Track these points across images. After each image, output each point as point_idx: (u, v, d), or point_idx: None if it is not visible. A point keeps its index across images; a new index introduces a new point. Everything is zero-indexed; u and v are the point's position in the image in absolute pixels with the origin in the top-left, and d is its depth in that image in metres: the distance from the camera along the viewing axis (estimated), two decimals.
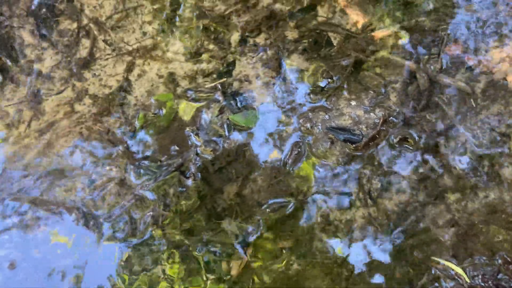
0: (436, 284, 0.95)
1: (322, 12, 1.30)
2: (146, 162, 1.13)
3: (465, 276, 0.94)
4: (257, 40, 1.27)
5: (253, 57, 1.24)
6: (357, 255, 1.02)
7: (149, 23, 1.33)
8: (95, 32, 1.32)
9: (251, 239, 1.05)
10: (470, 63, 1.16)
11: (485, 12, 1.22)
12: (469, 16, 1.22)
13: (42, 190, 1.13)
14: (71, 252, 1.07)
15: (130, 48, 1.29)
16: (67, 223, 1.09)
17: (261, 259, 1.04)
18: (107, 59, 1.29)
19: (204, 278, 1.02)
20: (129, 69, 1.26)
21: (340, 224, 1.05)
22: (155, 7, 1.35)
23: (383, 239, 1.02)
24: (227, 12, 1.32)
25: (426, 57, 1.18)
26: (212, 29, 1.29)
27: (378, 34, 1.24)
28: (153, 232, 1.07)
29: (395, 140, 1.08)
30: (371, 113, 1.12)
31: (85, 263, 1.06)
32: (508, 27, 1.19)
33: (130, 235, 1.07)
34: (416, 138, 1.08)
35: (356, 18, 1.28)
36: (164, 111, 1.18)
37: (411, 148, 1.08)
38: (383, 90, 1.14)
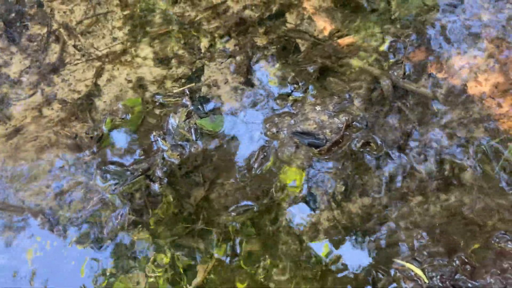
0: (396, 285, 0.97)
1: (290, 19, 1.32)
2: (113, 166, 1.13)
3: (424, 277, 0.96)
4: (227, 46, 1.29)
5: (222, 62, 1.26)
6: (321, 257, 1.03)
7: (119, 28, 1.34)
8: (65, 37, 1.33)
9: (217, 243, 1.05)
10: (433, 69, 1.19)
11: (447, 20, 1.26)
12: (432, 24, 1.25)
13: (7, 194, 1.12)
14: (36, 256, 1.06)
15: (99, 54, 1.30)
16: (33, 227, 1.09)
17: (227, 263, 1.05)
18: (76, 64, 1.29)
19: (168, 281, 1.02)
20: (98, 74, 1.27)
21: (305, 227, 1.07)
22: (125, 13, 1.36)
23: (347, 242, 1.04)
24: (197, 18, 1.33)
25: (390, 63, 1.20)
26: (181, 35, 1.30)
27: (344, 41, 1.26)
28: (120, 236, 1.07)
29: (358, 145, 1.11)
30: (335, 118, 1.14)
31: (51, 267, 1.05)
32: (469, 35, 1.23)
33: (96, 239, 1.07)
34: (379, 142, 1.11)
35: (324, 25, 1.30)
36: (131, 115, 1.18)
37: (374, 152, 1.10)
38: (347, 96, 1.17)
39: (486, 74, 1.18)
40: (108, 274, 1.04)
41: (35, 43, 1.31)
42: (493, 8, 1.26)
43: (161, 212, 1.09)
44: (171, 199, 1.09)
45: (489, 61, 1.19)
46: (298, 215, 1.07)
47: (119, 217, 1.08)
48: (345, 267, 1.02)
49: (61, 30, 1.33)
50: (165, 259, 1.05)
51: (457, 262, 0.98)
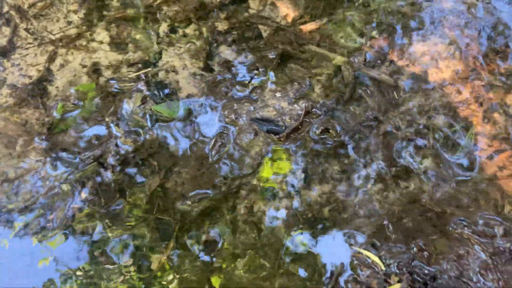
0: (352, 272, 0.95)
1: (253, 4, 1.29)
2: (64, 153, 1.08)
3: (381, 264, 0.95)
4: (187, 30, 1.25)
5: (181, 47, 1.22)
6: (280, 246, 1.01)
7: (75, 12, 1.28)
8: (17, 20, 1.27)
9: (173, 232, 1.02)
10: (394, 56, 1.18)
11: (410, 8, 1.25)
12: (394, 11, 1.24)
13: None
14: None
15: (53, 37, 1.24)
16: None
17: (183, 253, 1.01)
18: (28, 48, 1.23)
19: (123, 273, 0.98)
20: (51, 58, 1.21)
21: (264, 215, 1.04)
22: None
23: (305, 230, 1.02)
24: (156, 2, 1.29)
25: (351, 50, 1.19)
26: (140, 19, 1.26)
27: (307, 27, 1.24)
28: (72, 225, 1.02)
29: (317, 132, 1.08)
30: (295, 105, 1.12)
31: None
32: (430, 23, 1.22)
33: (45, 229, 1.02)
34: (338, 129, 1.09)
35: (286, 11, 1.28)
36: (84, 101, 1.14)
37: (333, 139, 1.08)
38: (307, 82, 1.15)
39: (446, 61, 1.17)
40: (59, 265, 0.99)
41: None
42: None
43: (114, 201, 1.04)
44: (124, 188, 1.05)
45: (449, 48, 1.18)
46: (257, 203, 1.05)
47: (70, 206, 1.03)
48: (303, 255, 1.00)
49: (13, 12, 1.27)
50: (118, 249, 1.01)
51: (415, 249, 0.97)
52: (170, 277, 0.99)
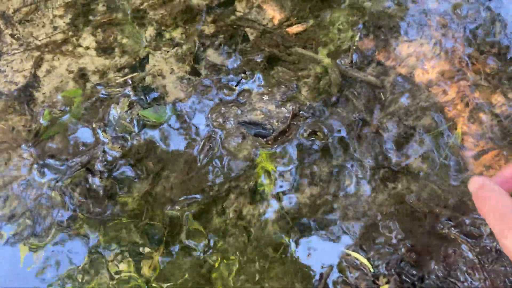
0: (341, 275, 0.96)
1: (239, 7, 1.29)
2: (51, 160, 1.08)
3: (369, 265, 0.95)
4: (173, 34, 1.25)
5: (167, 51, 1.22)
6: (269, 250, 1.01)
7: (61, 17, 1.28)
8: (1, 26, 1.26)
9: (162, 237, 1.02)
10: (380, 57, 1.19)
11: (396, 8, 1.25)
12: (379, 12, 1.25)
13: None
14: None
15: (39, 43, 1.24)
16: None
17: (173, 257, 1.01)
18: (14, 54, 1.22)
19: (113, 278, 0.98)
20: (38, 64, 1.21)
21: (253, 218, 1.04)
22: (67, 0, 1.30)
23: (294, 232, 1.02)
24: (142, 6, 1.29)
25: (338, 52, 1.19)
26: (126, 23, 1.25)
27: (293, 29, 1.24)
28: (59, 232, 1.02)
29: (305, 134, 1.09)
30: (282, 108, 1.12)
31: None
32: (416, 24, 1.23)
33: (34, 236, 1.01)
34: (326, 131, 1.09)
35: (273, 14, 1.28)
36: (71, 107, 1.13)
37: (321, 141, 1.09)
38: (294, 85, 1.15)
39: (432, 61, 1.18)
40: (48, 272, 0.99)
41: None
42: None
43: (102, 207, 1.04)
44: (112, 194, 1.05)
45: (435, 48, 1.19)
46: (246, 207, 1.05)
47: (58, 213, 1.03)
48: (292, 258, 1.00)
49: None
50: (108, 255, 1.00)
51: (403, 249, 0.98)
52: (161, 281, 0.99)
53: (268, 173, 1.06)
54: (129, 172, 1.07)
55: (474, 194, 0.63)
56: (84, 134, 1.11)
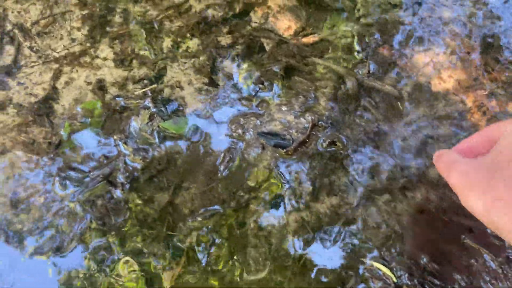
0: (364, 285, 0.96)
1: (255, 18, 1.30)
2: (72, 172, 1.08)
3: (392, 276, 0.96)
4: (190, 45, 1.26)
5: (185, 63, 1.23)
6: (290, 260, 1.02)
7: (78, 29, 1.29)
8: (20, 39, 1.27)
9: (184, 248, 1.03)
10: (397, 67, 1.19)
11: (411, 18, 1.26)
12: (395, 22, 1.26)
13: None
14: None
15: (57, 55, 1.25)
16: None
17: (195, 269, 1.02)
18: (32, 66, 1.23)
19: None
20: (56, 76, 1.22)
21: (273, 229, 1.05)
22: (84, 12, 1.31)
23: (315, 242, 1.03)
24: (159, 18, 1.30)
25: (355, 62, 1.20)
26: (143, 34, 1.26)
27: (309, 39, 1.25)
28: (82, 243, 1.02)
29: (324, 144, 1.09)
30: (301, 118, 1.12)
31: (8, 279, 1.00)
32: (432, 33, 1.24)
33: (57, 249, 1.02)
34: (345, 141, 1.10)
35: (288, 23, 1.29)
36: (91, 119, 1.14)
37: (340, 151, 1.09)
38: (312, 95, 1.16)
39: (449, 71, 1.19)
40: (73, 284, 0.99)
41: None
42: (454, 6, 1.28)
43: (124, 219, 1.05)
44: (134, 205, 1.06)
45: (451, 58, 1.20)
46: (266, 217, 1.05)
47: (80, 225, 1.03)
48: (314, 268, 1.01)
49: (16, 31, 1.27)
50: (128, 268, 1.01)
51: (424, 259, 0.98)
52: None
53: (288, 183, 1.07)
54: (150, 183, 1.08)
55: (434, 161, 0.81)
56: (105, 146, 1.11)
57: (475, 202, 0.68)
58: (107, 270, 1.02)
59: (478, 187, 0.67)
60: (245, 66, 1.21)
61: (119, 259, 1.02)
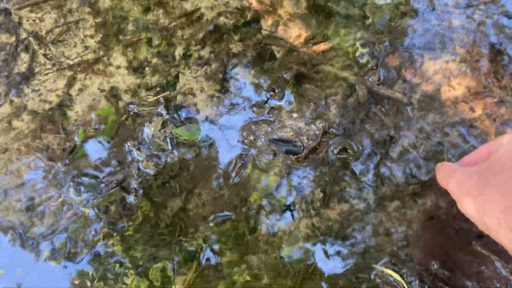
0: None
1: (265, 26, 1.32)
2: (86, 178, 1.10)
3: (403, 282, 0.96)
4: (202, 53, 1.28)
5: (197, 70, 1.24)
6: (301, 266, 1.03)
7: (91, 37, 1.31)
8: (35, 47, 1.29)
9: (195, 254, 1.04)
10: (407, 74, 1.20)
11: (420, 26, 1.27)
12: (405, 29, 1.27)
13: None
14: (7, 273, 1.02)
15: (71, 63, 1.27)
16: (2, 244, 1.05)
17: (206, 274, 1.03)
18: (47, 74, 1.25)
19: None
20: (70, 84, 1.24)
21: (284, 235, 1.06)
22: (97, 20, 1.33)
23: (326, 249, 1.04)
24: (171, 26, 1.32)
25: (365, 69, 1.21)
26: (155, 42, 1.28)
27: (319, 47, 1.26)
28: (96, 249, 1.04)
29: (335, 151, 1.11)
30: (312, 125, 1.14)
31: (23, 284, 1.02)
32: (441, 41, 1.25)
33: (71, 254, 1.04)
34: (355, 148, 1.11)
35: (299, 31, 1.30)
36: (105, 126, 1.16)
37: (350, 158, 1.10)
38: (323, 102, 1.17)
39: (458, 78, 1.20)
40: None
41: (3, 53, 1.28)
42: (463, 14, 1.29)
43: (137, 225, 1.06)
44: (147, 211, 1.07)
45: (461, 65, 1.21)
46: (277, 223, 1.06)
47: (94, 230, 1.05)
48: (324, 275, 1.01)
49: (31, 39, 1.30)
50: (142, 271, 1.02)
51: (435, 266, 0.99)
52: None
53: (298, 189, 1.08)
54: (162, 189, 1.09)
55: (436, 172, 0.88)
56: (119, 152, 1.13)
57: (469, 206, 0.74)
58: (119, 277, 1.03)
59: (472, 192, 0.73)
60: (256, 73, 1.23)
61: (130, 268, 1.04)
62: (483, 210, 0.71)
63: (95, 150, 1.14)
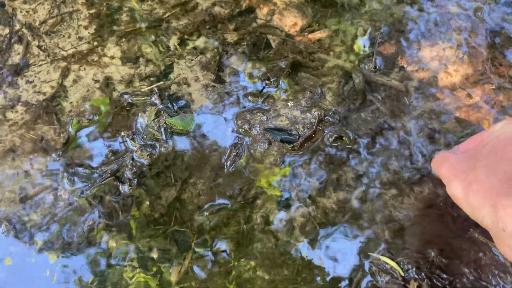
0: (371, 279, 0.96)
1: (261, 15, 1.30)
2: (80, 169, 1.09)
3: (399, 269, 0.95)
4: (196, 43, 1.27)
5: (192, 60, 1.23)
6: (297, 255, 1.02)
7: (85, 27, 1.30)
8: (29, 38, 1.28)
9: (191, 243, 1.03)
10: (403, 62, 1.19)
11: (416, 13, 1.26)
12: (401, 17, 1.25)
13: None
14: (1, 264, 1.02)
15: (65, 54, 1.26)
16: None
17: (202, 263, 1.02)
18: (41, 65, 1.25)
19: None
20: (64, 74, 1.23)
21: (280, 224, 1.05)
22: (91, 11, 1.32)
23: (322, 237, 1.03)
24: (165, 16, 1.31)
25: (361, 57, 1.20)
26: (150, 33, 1.27)
27: (315, 36, 1.25)
28: (90, 239, 1.03)
29: (331, 139, 1.09)
30: (307, 113, 1.13)
31: (18, 275, 1.01)
32: (438, 27, 1.23)
33: (65, 245, 1.03)
34: (352, 136, 1.10)
35: (295, 20, 1.29)
36: (99, 116, 1.15)
37: (347, 146, 1.09)
38: (319, 90, 1.16)
39: (455, 65, 1.18)
40: (80, 280, 1.00)
41: None
42: (461, 0, 1.27)
43: (132, 215, 1.06)
44: (142, 201, 1.06)
45: (458, 52, 1.19)
46: (273, 212, 1.06)
47: (88, 220, 1.04)
48: (321, 263, 1.01)
49: (24, 30, 1.29)
50: (137, 261, 1.02)
51: (432, 253, 0.98)
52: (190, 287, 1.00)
53: (296, 178, 1.07)
54: (157, 179, 1.08)
55: (432, 162, 0.87)
56: (113, 142, 1.12)
57: (456, 187, 0.76)
58: (114, 267, 1.02)
59: (461, 174, 0.75)
60: (251, 62, 1.22)
61: (124, 259, 1.03)
62: (469, 190, 0.72)
63: (89, 140, 1.13)
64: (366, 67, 1.18)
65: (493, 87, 1.15)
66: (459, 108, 1.13)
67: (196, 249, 1.04)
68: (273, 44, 1.25)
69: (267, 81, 1.17)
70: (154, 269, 1.02)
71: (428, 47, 1.20)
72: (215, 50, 1.25)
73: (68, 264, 1.03)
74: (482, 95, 1.14)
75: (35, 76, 1.23)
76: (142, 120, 1.12)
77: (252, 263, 1.02)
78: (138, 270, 1.02)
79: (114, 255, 1.04)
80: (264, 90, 1.17)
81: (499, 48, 1.20)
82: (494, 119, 1.12)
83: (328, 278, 0.99)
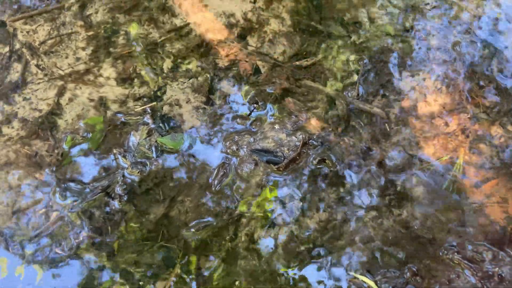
0: None
1: (251, 41, 1.37)
2: (73, 184, 1.13)
3: None
4: (189, 67, 1.32)
5: (184, 82, 1.29)
6: (280, 272, 1.05)
7: (83, 49, 1.35)
8: (28, 57, 1.33)
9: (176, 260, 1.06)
10: (385, 90, 1.26)
11: (400, 45, 1.33)
12: (385, 48, 1.33)
13: None
14: None
15: (62, 73, 1.31)
16: None
17: (187, 279, 1.05)
18: (38, 83, 1.30)
19: None
20: (61, 93, 1.28)
21: (264, 242, 1.09)
22: (89, 33, 1.38)
23: (304, 256, 1.07)
24: (160, 40, 1.37)
25: (345, 85, 1.26)
26: (145, 56, 1.33)
27: (302, 63, 1.32)
28: (79, 253, 1.06)
29: (314, 162, 1.15)
30: (292, 136, 1.18)
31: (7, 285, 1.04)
32: (419, 59, 1.31)
33: (54, 258, 1.06)
34: (334, 159, 1.15)
35: (283, 48, 1.36)
36: (93, 134, 1.19)
37: (329, 169, 1.14)
38: (304, 115, 1.21)
39: (434, 95, 1.25)
40: None
41: None
42: (441, 35, 1.35)
43: (121, 230, 1.09)
44: (131, 217, 1.10)
45: (436, 83, 1.26)
46: (257, 231, 1.09)
47: (78, 235, 1.07)
48: (302, 281, 1.04)
49: (24, 49, 1.34)
50: (125, 276, 1.05)
51: (408, 273, 1.02)
52: None
53: (278, 198, 1.12)
54: (146, 196, 1.12)
55: None
56: (105, 159, 1.16)
57: None
58: (101, 281, 1.05)
59: None
60: (241, 87, 1.28)
61: (112, 273, 1.06)
62: None
63: (82, 157, 1.17)
64: (350, 94, 1.24)
65: (469, 116, 1.21)
66: (437, 135, 1.19)
67: (182, 264, 1.07)
68: (263, 70, 1.31)
69: (255, 105, 1.23)
70: (141, 283, 1.05)
71: (409, 77, 1.27)
72: (207, 74, 1.30)
73: (56, 276, 1.06)
74: (459, 123, 1.20)
75: (32, 94, 1.28)
76: (134, 139, 1.17)
77: (235, 280, 1.05)
78: (124, 285, 1.05)
79: (101, 269, 1.06)
80: (252, 113, 1.22)
81: (475, 80, 1.27)
82: (469, 147, 1.18)
83: None
